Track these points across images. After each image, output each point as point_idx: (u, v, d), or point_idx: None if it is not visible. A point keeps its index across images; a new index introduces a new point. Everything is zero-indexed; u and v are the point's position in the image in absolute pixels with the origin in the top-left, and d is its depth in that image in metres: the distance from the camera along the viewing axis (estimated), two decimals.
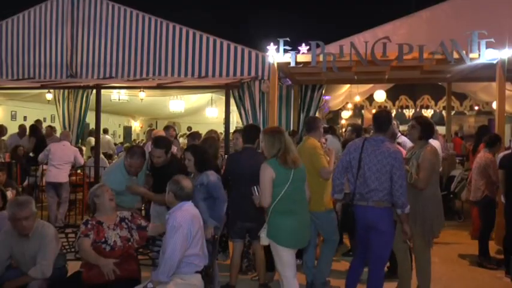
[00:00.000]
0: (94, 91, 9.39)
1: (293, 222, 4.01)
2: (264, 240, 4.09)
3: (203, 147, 5.10)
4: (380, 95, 13.49)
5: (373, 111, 16.46)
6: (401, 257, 4.91)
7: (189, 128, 18.09)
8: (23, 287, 3.84)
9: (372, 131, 4.61)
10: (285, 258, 4.03)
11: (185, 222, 3.79)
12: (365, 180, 4.21)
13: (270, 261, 5.46)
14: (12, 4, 11.53)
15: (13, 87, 10.18)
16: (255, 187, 4.04)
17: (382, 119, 4.45)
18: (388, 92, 13.74)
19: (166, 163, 5.02)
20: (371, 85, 12.88)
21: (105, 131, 15.07)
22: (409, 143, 5.54)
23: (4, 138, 10.72)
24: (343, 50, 7.09)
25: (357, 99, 14.24)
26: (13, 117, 14.14)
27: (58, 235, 4.26)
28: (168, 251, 3.70)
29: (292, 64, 7.34)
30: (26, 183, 9.49)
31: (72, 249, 4.50)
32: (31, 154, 10.45)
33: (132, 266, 4.03)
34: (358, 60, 7.06)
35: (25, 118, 14.39)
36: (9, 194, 5.79)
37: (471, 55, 6.72)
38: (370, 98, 14.47)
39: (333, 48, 7.61)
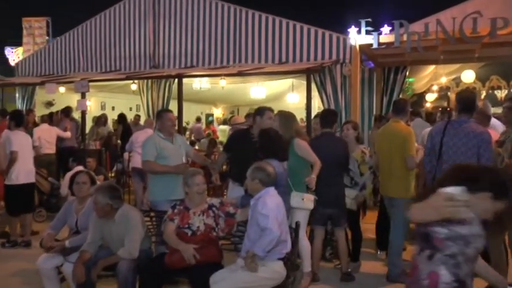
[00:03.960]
0: (176, 80, 9.65)
1: None
2: (311, 204, 4.66)
3: (271, 132, 4.65)
4: (468, 76, 12.66)
5: None
6: (496, 252, 4.35)
7: None
8: (113, 266, 4.03)
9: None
10: None
11: (273, 206, 3.75)
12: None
13: (355, 251, 5.34)
14: (99, 2, 12.11)
15: (102, 79, 10.75)
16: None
17: (468, 99, 4.21)
18: (477, 72, 12.89)
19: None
20: (458, 65, 12.13)
21: (225, 122, 15.52)
22: (500, 126, 5.15)
23: None
24: (428, 28, 6.77)
25: (443, 80, 13.53)
26: (102, 107, 15.02)
27: (144, 218, 4.41)
28: (268, 226, 3.62)
29: (375, 45, 7.14)
30: (115, 169, 10.00)
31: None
32: (118, 141, 11.02)
33: (213, 250, 4.02)
34: (445, 39, 6.73)
35: (113, 108, 15.17)
36: (99, 179, 6.10)
37: None
38: (457, 79, 13.66)
39: (417, 27, 7.23)
